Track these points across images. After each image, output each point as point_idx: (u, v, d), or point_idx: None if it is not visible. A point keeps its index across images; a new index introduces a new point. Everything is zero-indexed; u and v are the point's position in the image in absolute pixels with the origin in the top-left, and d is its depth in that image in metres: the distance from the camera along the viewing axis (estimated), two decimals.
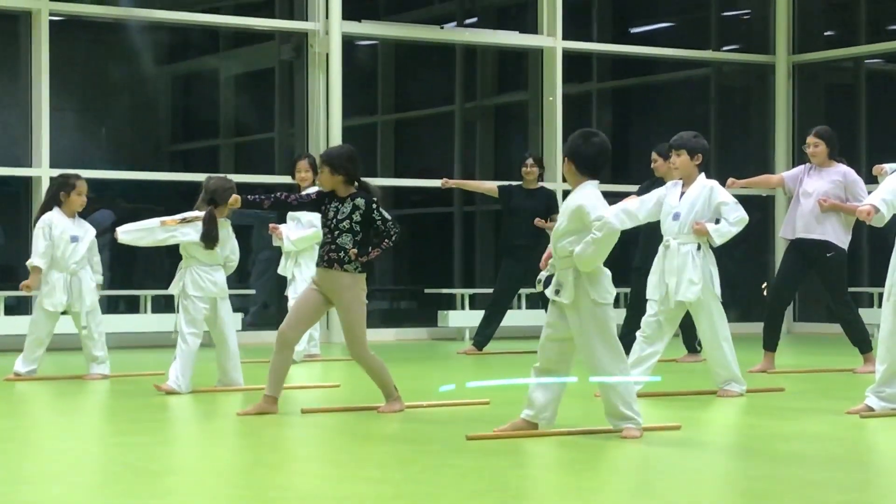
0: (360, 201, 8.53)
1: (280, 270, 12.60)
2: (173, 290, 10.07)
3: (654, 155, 12.50)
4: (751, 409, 9.12)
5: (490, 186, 13.93)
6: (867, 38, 17.79)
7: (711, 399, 9.51)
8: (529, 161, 13.82)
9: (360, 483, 6.25)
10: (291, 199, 8.87)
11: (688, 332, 12.75)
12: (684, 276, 9.36)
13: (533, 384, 7.54)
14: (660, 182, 12.72)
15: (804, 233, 11.43)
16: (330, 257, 8.53)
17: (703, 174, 9.60)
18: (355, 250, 8.47)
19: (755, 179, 12.06)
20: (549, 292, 7.45)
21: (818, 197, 11.40)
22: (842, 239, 11.41)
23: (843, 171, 11.49)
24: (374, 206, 8.52)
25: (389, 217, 8.55)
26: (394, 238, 8.52)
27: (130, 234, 9.97)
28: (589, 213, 7.34)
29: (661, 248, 9.59)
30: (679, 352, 12.92)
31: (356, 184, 8.60)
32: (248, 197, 8.83)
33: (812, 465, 6.87)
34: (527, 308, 16.19)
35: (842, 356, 12.40)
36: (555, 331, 7.51)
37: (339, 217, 8.51)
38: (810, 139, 11.61)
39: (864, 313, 11.95)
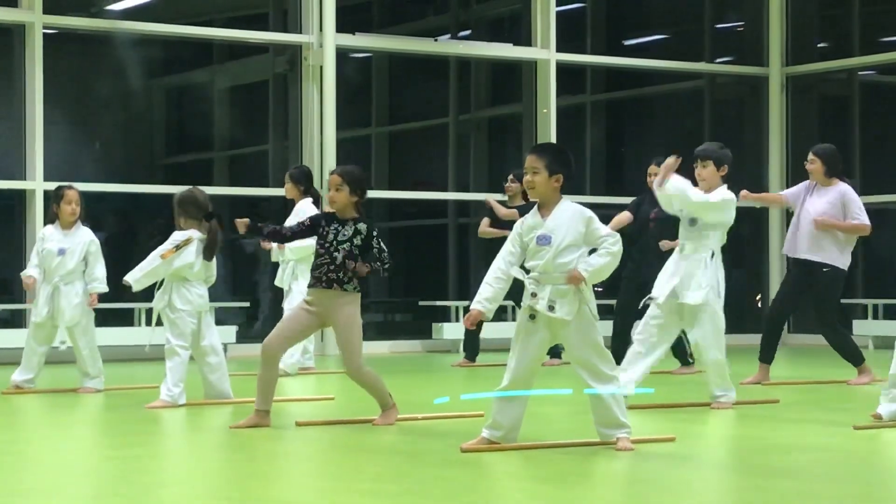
0: (362, 226, 8.52)
1: (277, 282, 12.65)
2: (158, 304, 10.01)
3: (655, 168, 12.38)
4: (745, 421, 9.12)
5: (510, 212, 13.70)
6: (861, 50, 17.83)
7: (705, 411, 9.51)
8: (510, 176, 13.77)
9: (355, 496, 6.24)
10: (285, 232, 8.85)
11: (680, 345, 12.76)
12: (693, 280, 9.43)
13: (497, 406, 7.50)
14: (651, 195, 12.72)
15: (805, 254, 11.41)
16: (329, 277, 8.49)
17: (724, 185, 9.64)
18: (360, 263, 8.46)
19: (767, 196, 12.00)
20: (541, 308, 7.41)
21: (808, 216, 11.38)
22: (840, 260, 11.37)
23: (841, 189, 11.41)
24: (375, 234, 8.54)
25: (386, 249, 8.57)
26: (387, 269, 8.55)
27: (140, 280, 9.94)
28: (598, 227, 7.38)
29: (675, 252, 9.67)
30: (672, 364, 12.93)
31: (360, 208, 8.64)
32: (253, 222, 8.75)
33: (806, 478, 6.86)
34: None
35: (836, 368, 12.40)
36: (537, 352, 7.50)
37: (339, 239, 8.49)
38: (810, 156, 11.58)
39: (858, 325, 11.93)
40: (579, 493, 6.48)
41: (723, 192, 9.59)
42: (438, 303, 16.67)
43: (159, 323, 10.09)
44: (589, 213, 7.46)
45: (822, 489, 6.49)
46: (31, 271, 10.90)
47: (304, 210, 12.46)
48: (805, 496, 6.31)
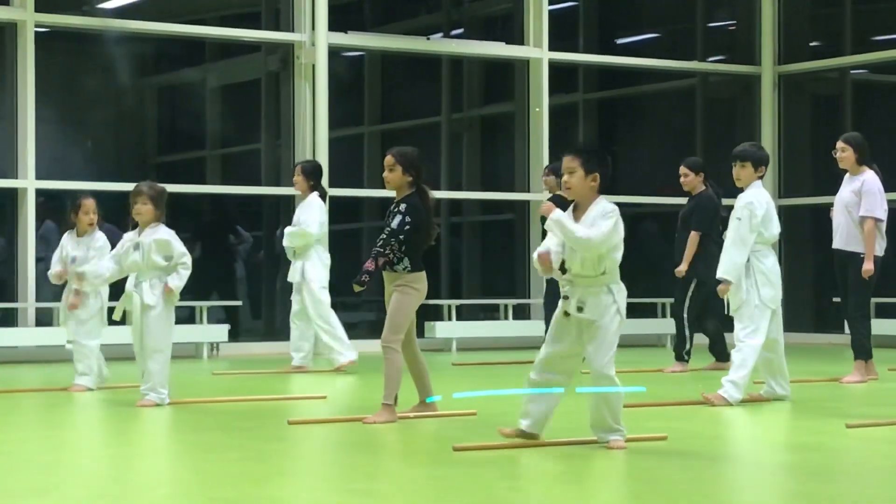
0: (402, 206, 8.66)
1: (289, 278, 12.73)
2: (150, 299, 9.76)
3: (684, 169, 12.46)
4: (737, 420, 9.13)
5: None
6: (852, 49, 17.84)
7: (698, 409, 9.51)
8: (544, 170, 13.75)
9: (348, 495, 6.24)
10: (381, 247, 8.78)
11: (678, 340, 12.77)
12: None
13: (526, 396, 7.52)
14: (686, 195, 12.73)
15: (839, 245, 11.42)
16: (384, 260, 8.68)
17: (759, 181, 9.86)
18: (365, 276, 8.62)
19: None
20: (571, 309, 7.41)
21: (841, 207, 11.40)
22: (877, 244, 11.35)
23: (864, 178, 11.40)
24: (404, 209, 8.63)
25: (404, 224, 8.62)
26: (382, 251, 8.60)
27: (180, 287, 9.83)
28: (604, 223, 7.37)
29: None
30: (667, 362, 12.94)
31: (414, 188, 8.73)
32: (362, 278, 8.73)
33: (799, 476, 6.87)
34: (513, 318, 16.23)
35: (829, 365, 12.42)
36: (567, 347, 7.49)
37: (388, 221, 8.65)
38: (838, 144, 11.54)
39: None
40: (572, 491, 6.48)
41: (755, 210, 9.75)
42: (431, 301, 16.63)
43: (121, 321, 10.01)
44: (608, 209, 7.42)
45: (814, 488, 6.50)
46: (54, 269, 10.93)
47: (312, 203, 12.51)
48: (798, 495, 6.32)
